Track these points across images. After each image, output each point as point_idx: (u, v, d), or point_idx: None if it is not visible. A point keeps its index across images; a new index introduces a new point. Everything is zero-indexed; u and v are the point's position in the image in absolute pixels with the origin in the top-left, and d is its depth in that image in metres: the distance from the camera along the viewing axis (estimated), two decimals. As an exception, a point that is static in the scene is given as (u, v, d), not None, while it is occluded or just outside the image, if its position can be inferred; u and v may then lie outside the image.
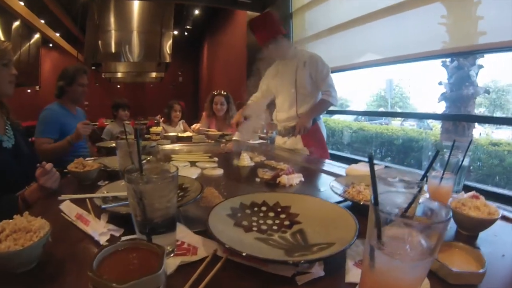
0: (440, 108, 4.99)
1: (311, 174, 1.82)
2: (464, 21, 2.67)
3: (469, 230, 0.99)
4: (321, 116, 3.00)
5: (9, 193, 1.44)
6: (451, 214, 0.51)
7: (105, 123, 5.64)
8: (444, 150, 1.24)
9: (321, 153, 2.74)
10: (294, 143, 2.83)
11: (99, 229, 0.93)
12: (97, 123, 7.42)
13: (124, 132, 1.52)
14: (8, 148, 1.65)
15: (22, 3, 6.71)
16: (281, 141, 2.99)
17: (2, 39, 7.81)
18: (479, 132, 5.22)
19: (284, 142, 2.94)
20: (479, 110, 4.90)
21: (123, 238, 0.90)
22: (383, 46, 3.47)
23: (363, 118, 6.83)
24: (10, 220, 0.80)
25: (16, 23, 8.18)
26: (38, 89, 11.33)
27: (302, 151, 2.75)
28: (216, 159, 2.11)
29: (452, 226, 1.02)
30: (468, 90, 4.72)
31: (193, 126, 4.08)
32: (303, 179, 1.59)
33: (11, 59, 1.66)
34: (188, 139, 3.14)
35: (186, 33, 9.70)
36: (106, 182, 1.46)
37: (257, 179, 1.60)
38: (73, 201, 1.14)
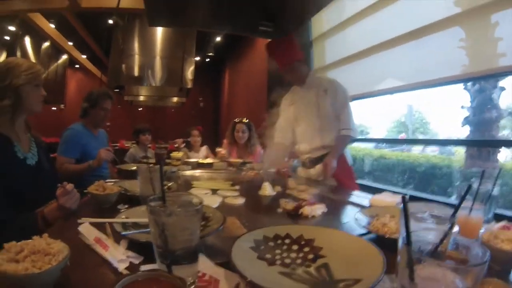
0: (463, 132, 4.90)
1: (333, 204, 1.78)
2: (483, 43, 2.65)
3: (503, 265, 0.93)
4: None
5: (28, 210, 1.46)
6: (488, 255, 0.49)
7: (126, 145, 5.73)
8: (472, 178, 1.20)
9: (349, 184, 2.58)
10: (318, 175, 2.64)
11: (118, 256, 0.92)
12: (118, 144, 7.56)
13: (147, 157, 1.54)
14: (31, 165, 1.70)
15: (52, 26, 7.03)
16: (304, 173, 2.84)
17: (32, 58, 8.17)
18: (505, 155, 5.08)
19: (308, 173, 2.77)
20: (503, 133, 4.77)
21: (143, 266, 0.89)
22: (402, 72, 3.46)
23: (384, 145, 6.75)
24: (29, 241, 0.80)
25: (46, 44, 8.59)
26: (63, 107, 11.71)
27: (328, 182, 2.53)
28: (237, 187, 2.09)
29: None
30: (491, 114, 4.62)
31: (218, 149, 4.09)
32: (325, 210, 1.56)
33: (42, 80, 1.76)
34: (209, 166, 3.15)
35: (207, 59, 9.91)
36: (126, 206, 1.47)
37: (279, 210, 1.57)
38: (92, 223, 1.15)
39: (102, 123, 3.08)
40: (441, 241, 0.58)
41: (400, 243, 0.52)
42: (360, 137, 5.20)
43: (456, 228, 0.59)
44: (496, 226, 1.22)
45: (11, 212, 1.44)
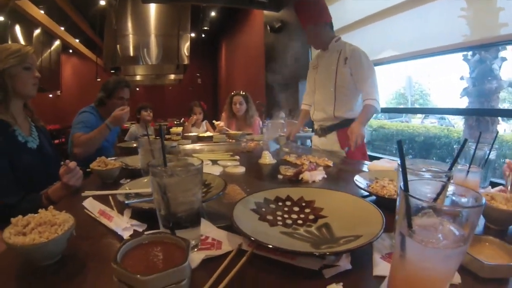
0: (463, 103, 4.88)
1: (333, 170, 1.80)
2: (484, 13, 2.63)
3: (499, 224, 0.96)
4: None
5: (33, 192, 1.48)
6: (484, 200, 0.50)
7: (125, 125, 5.72)
8: (469, 143, 1.21)
9: (360, 157, 2.45)
10: (331, 144, 2.61)
11: (122, 225, 0.94)
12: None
13: (146, 134, 1.54)
14: (33, 148, 1.70)
15: (42, 12, 6.89)
16: (317, 141, 2.78)
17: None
18: (504, 128, 5.08)
19: (321, 142, 2.72)
20: (503, 105, 4.76)
21: (147, 233, 0.90)
22: (402, 41, 3.43)
23: (383, 115, 6.74)
24: (35, 214, 0.81)
25: (37, 31, 8.45)
26: (59, 94, 11.64)
27: (339, 153, 2.52)
28: (237, 157, 2.11)
29: (480, 220, 0.99)
30: (491, 84, 4.60)
31: (217, 123, 4.09)
32: (325, 176, 1.58)
33: (33, 63, 1.71)
34: (209, 139, 3.16)
35: (203, 35, 9.79)
36: (128, 180, 1.47)
37: (280, 176, 1.59)
38: (96, 198, 1.17)
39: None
40: (438, 194, 0.59)
41: (398, 191, 0.53)
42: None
43: (453, 187, 0.60)
44: (493, 190, 1.23)
45: (18, 196, 1.45)
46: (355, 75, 2.43)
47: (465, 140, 0.77)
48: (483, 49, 4.32)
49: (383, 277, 0.66)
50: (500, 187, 1.26)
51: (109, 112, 2.65)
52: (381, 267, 0.70)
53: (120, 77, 3.02)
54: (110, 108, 2.71)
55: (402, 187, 0.52)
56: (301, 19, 2.55)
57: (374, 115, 2.50)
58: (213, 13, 8.22)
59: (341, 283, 0.64)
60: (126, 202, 1.03)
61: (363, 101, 2.43)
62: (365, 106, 2.39)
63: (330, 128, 2.61)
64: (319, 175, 1.54)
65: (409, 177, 0.55)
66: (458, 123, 5.53)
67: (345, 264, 0.70)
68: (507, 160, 1.24)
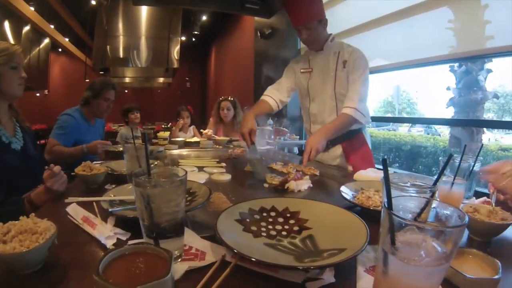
0: (449, 113, 4.96)
1: (319, 180, 1.80)
2: (471, 25, 2.67)
3: (482, 236, 0.98)
4: (368, 125, 2.37)
5: (16, 195, 1.45)
6: (467, 219, 0.50)
7: (113, 128, 5.69)
8: (454, 155, 1.22)
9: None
10: (332, 159, 2.29)
11: (105, 233, 0.93)
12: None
13: (137, 136, 1.53)
14: (16, 150, 1.67)
15: (32, 8, 6.81)
16: (318, 156, 2.22)
17: (13, 43, 7.90)
18: (488, 137, 5.17)
19: (323, 157, 2.35)
20: (488, 115, 4.85)
21: (130, 242, 0.89)
22: (391, 51, 3.46)
23: (370, 124, 6.81)
24: (16, 222, 0.80)
25: (26, 28, 8.31)
26: (46, 93, 11.51)
27: (343, 168, 2.22)
28: (224, 164, 2.10)
29: (464, 232, 0.99)
30: (477, 95, 4.68)
31: (205, 131, 4.08)
32: (311, 185, 1.58)
33: (20, 62, 1.67)
34: (195, 144, 3.14)
35: (193, 39, 9.79)
36: (113, 186, 1.47)
37: (265, 185, 1.58)
38: (80, 204, 1.15)
39: (103, 114, 2.95)
40: (422, 209, 0.60)
41: (382, 208, 0.53)
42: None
43: (436, 203, 0.60)
44: (477, 201, 1.25)
45: None
46: (349, 77, 2.13)
47: (450, 155, 0.78)
48: (469, 61, 4.40)
49: (366, 291, 0.66)
50: (484, 198, 1.28)
51: (94, 111, 2.81)
52: (365, 280, 0.70)
53: (107, 79, 3.04)
54: (95, 108, 2.83)
55: (386, 205, 0.51)
56: (293, 16, 2.20)
57: (356, 126, 2.21)
58: (204, 17, 8.22)
59: (325, 297, 0.64)
60: (110, 210, 1.02)
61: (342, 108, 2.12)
62: (340, 115, 2.08)
63: (333, 141, 2.21)
64: (305, 184, 1.53)
65: (394, 192, 0.55)
66: (444, 132, 5.61)
67: (328, 277, 0.70)
68: (481, 169, 1.25)
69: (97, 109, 2.83)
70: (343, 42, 2.27)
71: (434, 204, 0.60)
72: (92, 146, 2.52)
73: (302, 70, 2.37)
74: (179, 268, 0.73)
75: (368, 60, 2.15)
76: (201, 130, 4.19)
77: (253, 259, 0.70)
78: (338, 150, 2.29)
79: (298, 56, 2.64)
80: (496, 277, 0.69)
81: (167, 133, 3.70)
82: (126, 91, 12.41)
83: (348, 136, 2.23)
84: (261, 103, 2.42)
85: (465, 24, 2.71)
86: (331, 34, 2.27)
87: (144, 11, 6.98)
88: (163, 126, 5.96)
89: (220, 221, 0.87)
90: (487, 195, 1.31)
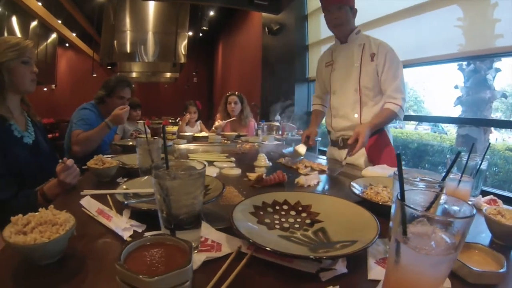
0: (456, 112, 4.94)
1: (329, 175, 1.82)
2: (480, 24, 2.65)
3: (506, 240, 0.94)
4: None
5: (27, 188, 1.47)
6: (475, 211, 0.53)
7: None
8: (462, 153, 1.24)
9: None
10: (354, 158, 2.11)
11: (121, 225, 0.94)
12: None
13: (138, 130, 1.55)
14: (28, 144, 1.69)
15: (39, 3, 6.84)
16: (336, 154, 2.31)
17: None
18: (496, 137, 5.15)
19: (340, 155, 2.25)
20: (496, 115, 4.82)
21: (146, 233, 0.91)
22: (398, 49, 3.43)
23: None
24: (36, 213, 0.81)
25: (34, 23, 8.35)
26: (54, 87, 11.56)
27: (352, 164, 2.14)
28: (233, 159, 2.12)
29: (486, 235, 0.99)
30: (485, 94, 4.65)
31: (216, 124, 4.09)
32: (320, 180, 1.60)
33: (31, 57, 1.69)
34: (204, 139, 3.16)
35: (201, 34, 9.79)
36: (125, 179, 1.49)
37: (245, 179, 1.60)
38: (93, 197, 1.17)
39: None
40: (432, 203, 0.62)
41: (394, 199, 0.56)
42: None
43: (445, 197, 0.63)
44: (483, 199, 1.27)
45: (11, 192, 1.44)
46: (383, 74, 2.05)
47: (458, 153, 0.80)
48: (478, 59, 4.38)
49: (377, 281, 0.69)
50: (490, 196, 1.29)
51: (108, 110, 2.65)
52: (376, 271, 0.73)
53: (122, 76, 3.00)
54: (110, 106, 2.70)
55: (399, 197, 0.54)
56: None
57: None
58: (211, 13, 8.22)
59: (337, 286, 0.67)
60: (126, 202, 1.03)
61: (384, 104, 2.07)
62: (385, 109, 2.04)
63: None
64: (314, 179, 1.56)
65: (405, 186, 0.58)
66: (451, 131, 5.58)
67: (341, 267, 0.73)
68: None
69: (112, 108, 2.58)
70: (368, 35, 2.19)
71: (443, 198, 0.62)
72: (115, 115, 2.43)
73: (326, 64, 2.35)
74: (196, 259, 0.75)
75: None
76: (214, 126, 4.20)
77: (268, 249, 0.72)
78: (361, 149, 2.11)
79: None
80: (501, 270, 0.72)
81: (175, 128, 3.73)
82: (133, 85, 12.45)
83: (373, 133, 2.08)
84: (314, 113, 2.54)
85: (474, 22, 2.71)
86: (357, 27, 2.21)
87: (151, 6, 7.01)
88: (170, 120, 5.98)
89: (235, 213, 0.89)
90: (494, 194, 1.33)
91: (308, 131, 2.28)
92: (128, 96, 2.90)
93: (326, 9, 2.12)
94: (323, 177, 1.73)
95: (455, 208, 0.60)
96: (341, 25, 2.12)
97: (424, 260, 0.52)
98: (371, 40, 2.12)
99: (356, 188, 1.29)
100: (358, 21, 2.20)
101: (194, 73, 12.46)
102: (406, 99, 2.05)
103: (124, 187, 1.21)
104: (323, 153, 2.33)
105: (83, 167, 1.54)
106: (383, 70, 2.04)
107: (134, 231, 0.93)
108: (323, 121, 2.56)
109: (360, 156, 2.14)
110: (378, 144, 2.16)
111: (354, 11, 2.13)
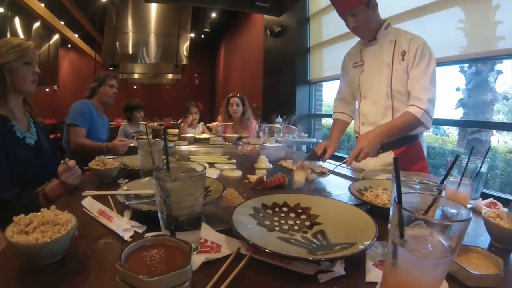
0: (457, 114, 4.93)
1: (328, 177, 1.82)
2: (482, 25, 2.65)
3: (505, 243, 0.94)
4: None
5: (29, 189, 1.48)
6: (471, 214, 0.53)
7: (122, 123, 5.74)
8: (462, 156, 1.24)
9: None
10: (380, 167, 1.93)
11: (122, 225, 0.95)
12: (113, 123, 7.57)
13: (139, 132, 1.56)
14: (30, 145, 1.70)
15: (42, 5, 6.87)
16: (362, 163, 1.76)
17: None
18: (497, 139, 5.14)
19: (367, 163, 1.91)
20: (498, 117, 4.81)
21: (147, 234, 0.91)
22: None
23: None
24: (38, 213, 0.82)
25: (37, 24, 8.39)
26: (56, 88, 11.60)
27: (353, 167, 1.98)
28: (234, 161, 2.13)
29: (486, 238, 0.99)
30: (487, 96, 4.64)
31: (212, 124, 4.11)
32: (314, 176, 1.63)
33: (34, 58, 1.70)
34: (205, 141, 3.17)
35: (203, 36, 9.80)
36: (126, 180, 1.49)
37: (245, 181, 1.61)
38: (95, 197, 1.17)
39: (110, 100, 3.08)
40: (430, 206, 0.63)
41: (392, 202, 0.56)
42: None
43: (443, 200, 0.63)
44: (483, 202, 1.27)
45: (14, 192, 1.46)
46: (411, 71, 1.78)
47: (457, 156, 0.81)
48: (479, 62, 4.37)
49: (375, 283, 0.69)
50: (490, 199, 1.29)
51: (101, 99, 3.02)
52: (373, 274, 0.73)
53: (108, 71, 3.35)
54: (102, 94, 3.03)
55: (396, 200, 0.55)
56: (335, 3, 1.93)
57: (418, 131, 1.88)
58: (213, 15, 8.25)
59: (335, 288, 0.67)
60: (127, 203, 1.04)
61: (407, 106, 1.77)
62: (403, 114, 1.75)
63: (384, 147, 1.78)
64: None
65: (403, 189, 0.58)
66: (452, 133, 5.57)
67: (339, 270, 0.73)
68: None
69: (105, 94, 3.02)
70: (399, 28, 1.94)
71: (441, 201, 0.63)
72: (113, 147, 2.53)
73: (354, 65, 2.08)
74: (196, 260, 0.75)
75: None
76: (208, 125, 4.21)
77: (267, 251, 0.73)
78: (389, 157, 1.90)
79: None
80: (499, 273, 0.72)
81: (176, 130, 3.74)
82: (135, 87, 12.49)
83: (404, 141, 1.87)
84: (335, 124, 2.22)
85: (476, 24, 2.70)
86: (386, 20, 1.95)
87: (153, 8, 7.02)
88: (171, 122, 5.99)
89: (235, 215, 0.90)
90: (494, 197, 1.33)
91: (327, 143, 1.99)
92: (116, 85, 3.12)
93: (341, 17, 1.94)
94: (323, 179, 1.74)
95: (453, 211, 0.60)
96: (362, 27, 1.88)
97: (421, 262, 0.53)
98: (401, 35, 1.85)
99: (356, 190, 1.29)
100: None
101: (196, 75, 12.48)
102: (435, 100, 1.74)
103: (125, 188, 1.21)
104: (335, 157, 2.13)
105: (85, 168, 1.56)
106: (412, 67, 1.78)
107: (135, 231, 0.94)
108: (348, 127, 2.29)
109: (387, 165, 1.92)
110: (408, 156, 1.88)
111: (373, 5, 1.84)
